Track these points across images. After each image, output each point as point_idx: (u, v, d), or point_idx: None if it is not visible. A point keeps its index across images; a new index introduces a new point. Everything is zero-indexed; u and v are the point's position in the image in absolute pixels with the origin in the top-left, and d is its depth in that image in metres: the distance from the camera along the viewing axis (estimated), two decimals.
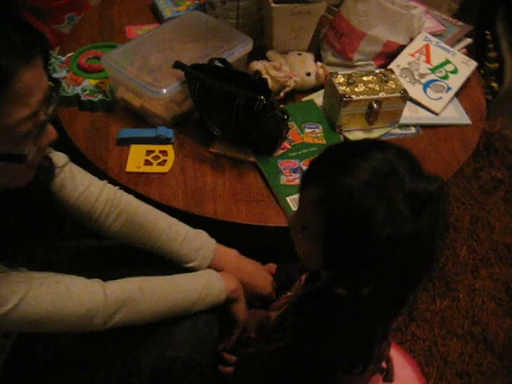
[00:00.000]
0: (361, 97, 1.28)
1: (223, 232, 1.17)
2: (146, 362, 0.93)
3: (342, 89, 1.29)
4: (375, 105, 1.29)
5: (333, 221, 0.70)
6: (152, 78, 1.28)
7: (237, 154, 1.25)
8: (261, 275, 1.11)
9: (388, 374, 0.99)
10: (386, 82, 1.32)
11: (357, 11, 1.39)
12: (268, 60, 1.42)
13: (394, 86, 1.31)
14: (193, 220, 1.13)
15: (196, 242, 1.02)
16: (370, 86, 1.31)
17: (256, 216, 1.16)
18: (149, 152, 1.26)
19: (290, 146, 1.28)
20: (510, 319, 1.60)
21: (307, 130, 1.32)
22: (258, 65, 1.38)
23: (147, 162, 1.23)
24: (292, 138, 1.29)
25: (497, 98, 1.97)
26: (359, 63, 1.48)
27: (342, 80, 1.31)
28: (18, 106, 0.64)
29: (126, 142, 1.26)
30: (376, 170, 0.68)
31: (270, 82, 1.30)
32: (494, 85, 1.89)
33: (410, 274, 0.74)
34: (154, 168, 1.22)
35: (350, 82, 1.30)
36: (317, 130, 1.32)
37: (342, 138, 1.32)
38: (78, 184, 0.96)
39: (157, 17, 1.65)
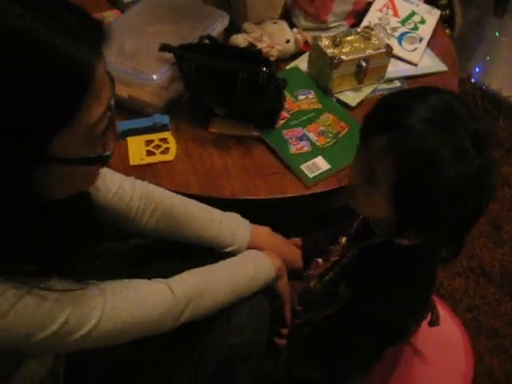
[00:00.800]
0: (350, 57, 1.29)
1: (240, 211, 1.15)
2: (213, 353, 0.91)
3: (330, 51, 1.29)
4: (364, 63, 1.30)
5: (403, 163, 0.72)
6: (134, 65, 1.22)
7: (239, 130, 1.23)
8: (292, 249, 1.11)
9: (435, 319, 1.02)
10: (369, 39, 1.34)
11: None
12: (246, 32, 1.40)
13: (377, 43, 1.33)
14: (209, 203, 1.11)
15: (231, 225, 1.01)
16: (355, 45, 1.32)
17: (274, 189, 1.15)
18: (148, 142, 1.21)
19: (289, 115, 1.27)
20: (500, 249, 1.69)
21: (301, 97, 1.32)
22: (238, 39, 1.35)
23: (150, 153, 1.19)
24: (289, 107, 1.28)
25: None
26: (332, 25, 1.49)
27: (327, 43, 1.31)
28: (97, 102, 0.59)
29: (121, 136, 1.21)
30: (434, 108, 0.71)
31: None
32: (447, 31, 1.96)
33: (473, 212, 0.77)
34: (158, 157, 1.18)
35: (336, 43, 1.31)
36: (310, 96, 1.32)
37: (334, 100, 1.33)
38: (110, 184, 0.91)
39: (113, 3, 1.57)
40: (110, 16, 1.50)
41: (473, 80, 2.28)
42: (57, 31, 0.54)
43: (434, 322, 1.02)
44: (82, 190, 0.70)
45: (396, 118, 0.73)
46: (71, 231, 0.70)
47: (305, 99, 1.31)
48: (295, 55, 1.44)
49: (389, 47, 1.32)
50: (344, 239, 1.02)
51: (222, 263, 0.93)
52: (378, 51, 1.31)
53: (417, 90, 0.79)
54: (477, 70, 2.43)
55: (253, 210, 1.18)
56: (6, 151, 0.55)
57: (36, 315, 0.63)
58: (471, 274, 1.61)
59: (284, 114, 1.26)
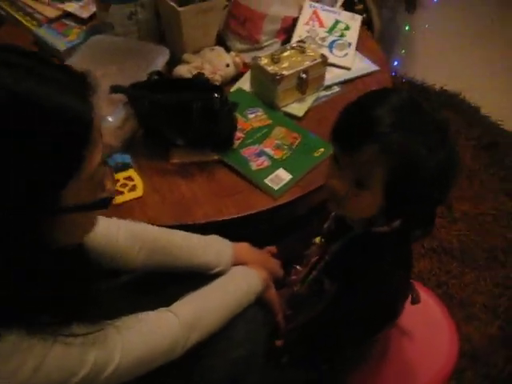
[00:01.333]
0: (290, 71, 1.36)
1: (215, 233, 1.20)
2: (219, 371, 0.95)
3: (270, 69, 1.36)
4: (304, 75, 1.38)
5: (391, 167, 0.80)
6: None
7: (199, 157, 1.28)
8: (271, 260, 1.16)
9: (416, 297, 1.10)
10: (304, 52, 1.42)
11: None
12: (187, 62, 1.45)
13: (312, 54, 1.42)
14: (185, 230, 1.14)
15: (214, 247, 1.05)
16: (292, 59, 1.40)
17: (244, 207, 1.20)
18: None
19: (243, 135, 1.33)
20: (455, 226, 1.82)
21: (250, 116, 1.38)
22: (182, 70, 1.40)
23: (118, 192, 1.21)
24: (242, 127, 1.34)
25: None
26: (266, 43, 1.57)
27: (266, 61, 1.39)
28: (96, 150, 0.63)
29: None
30: (399, 110, 0.80)
31: None
32: (369, 33, 2.08)
33: (446, 191, 0.85)
34: (128, 195, 1.21)
35: (275, 60, 1.38)
36: (258, 113, 1.39)
37: (282, 113, 1.40)
38: (96, 227, 0.93)
39: (46, 51, 1.58)
40: None
41: (393, 74, 2.43)
42: (54, 89, 0.58)
43: (415, 300, 1.10)
44: (86, 236, 0.73)
45: (371, 128, 0.80)
46: (78, 276, 0.72)
47: (255, 117, 1.38)
48: (236, 78, 1.50)
49: (324, 56, 1.41)
50: (318, 239, 1.08)
51: (215, 283, 0.97)
52: (315, 62, 1.40)
53: (375, 97, 0.86)
54: (395, 63, 2.59)
55: (226, 230, 1.22)
56: (19, 208, 0.57)
57: (66, 363, 0.65)
58: (433, 254, 1.72)
59: (238, 134, 1.32)
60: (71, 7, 1.67)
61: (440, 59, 2.53)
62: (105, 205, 0.68)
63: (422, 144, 0.79)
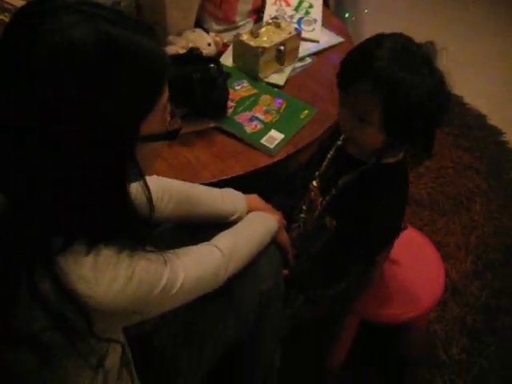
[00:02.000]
0: (270, 44, 1.50)
1: None
2: (249, 302, 1.07)
3: (252, 43, 1.49)
4: (282, 47, 1.52)
5: (386, 98, 0.93)
6: None
7: (198, 126, 1.39)
8: (276, 210, 1.29)
9: (403, 224, 1.25)
10: (280, 27, 1.56)
11: None
12: (173, 44, 1.55)
13: (287, 28, 1.56)
14: None
15: (230, 197, 1.17)
16: (270, 34, 1.53)
17: (246, 165, 1.32)
18: None
19: (234, 104, 1.45)
20: (421, 180, 2.00)
21: (237, 87, 1.50)
22: (171, 49, 1.50)
23: None
24: (231, 97, 1.46)
25: None
26: (240, 23, 1.69)
27: (246, 37, 1.51)
28: (165, 86, 0.73)
29: None
30: (392, 49, 0.94)
31: None
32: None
33: (439, 116, 1.00)
34: None
35: (255, 36, 1.51)
36: (244, 85, 1.51)
37: (265, 83, 1.53)
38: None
39: None
40: None
41: None
42: (142, 35, 0.69)
43: (404, 227, 1.25)
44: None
45: (367, 64, 0.93)
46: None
47: (241, 88, 1.50)
48: (216, 56, 1.62)
49: (299, 30, 1.55)
50: (316, 182, 1.22)
51: (241, 224, 1.09)
52: (291, 35, 1.54)
53: (373, 39, 1.00)
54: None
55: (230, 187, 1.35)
56: (110, 140, 0.68)
57: (150, 274, 0.75)
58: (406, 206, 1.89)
59: (230, 103, 1.44)
60: None
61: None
62: (174, 135, 0.78)
63: (411, 76, 0.93)
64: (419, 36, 1.00)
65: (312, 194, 1.25)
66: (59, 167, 0.66)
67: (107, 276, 0.71)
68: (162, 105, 0.73)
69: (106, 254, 0.71)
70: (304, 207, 1.27)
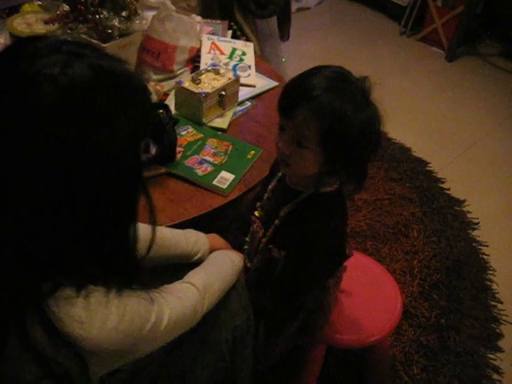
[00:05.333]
0: (212, 89, 1.54)
1: None
2: (225, 337, 1.06)
3: (194, 90, 1.53)
4: (223, 92, 1.57)
5: (323, 124, 0.98)
6: None
7: (149, 172, 1.39)
8: (230, 246, 1.30)
9: (349, 251, 1.29)
10: (219, 73, 1.61)
11: (166, 29, 1.63)
12: None
13: (226, 74, 1.61)
14: None
15: (192, 237, 1.17)
16: (211, 80, 1.58)
17: (201, 207, 1.34)
18: None
19: (182, 149, 1.47)
20: (360, 213, 2.08)
21: (183, 133, 1.53)
22: None
23: None
24: (179, 143, 1.48)
25: None
26: (178, 72, 1.73)
27: (188, 84, 1.55)
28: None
29: None
30: (330, 78, 1.00)
31: None
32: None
33: (372, 148, 1.06)
34: None
35: (196, 82, 1.56)
36: (189, 130, 1.54)
37: (209, 127, 1.57)
38: None
39: None
40: None
41: None
42: (120, 61, 0.70)
43: (349, 254, 1.29)
44: None
45: (305, 91, 0.98)
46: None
47: (187, 133, 1.53)
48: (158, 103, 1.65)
49: (238, 76, 1.61)
50: (257, 212, 1.25)
51: (208, 262, 1.10)
52: (230, 80, 1.60)
53: (313, 69, 1.05)
54: None
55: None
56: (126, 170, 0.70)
57: (141, 310, 0.75)
58: (348, 238, 1.96)
59: (178, 148, 1.46)
60: None
61: None
62: None
63: (348, 105, 0.98)
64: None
65: (255, 225, 1.28)
66: (72, 216, 0.67)
67: (100, 315, 0.70)
68: None
69: (97, 293, 0.70)
70: (247, 239, 1.30)
